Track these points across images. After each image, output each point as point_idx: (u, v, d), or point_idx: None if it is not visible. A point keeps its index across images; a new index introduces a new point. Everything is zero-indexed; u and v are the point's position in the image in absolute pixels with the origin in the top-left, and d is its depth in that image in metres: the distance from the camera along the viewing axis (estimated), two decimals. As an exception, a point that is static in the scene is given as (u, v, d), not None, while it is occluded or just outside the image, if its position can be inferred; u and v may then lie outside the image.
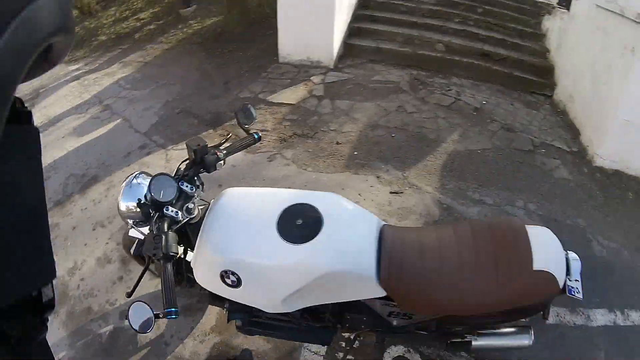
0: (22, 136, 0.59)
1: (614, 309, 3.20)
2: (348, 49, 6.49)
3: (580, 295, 1.85)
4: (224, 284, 1.76)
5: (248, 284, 1.73)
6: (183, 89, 5.42)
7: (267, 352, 2.60)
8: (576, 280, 1.88)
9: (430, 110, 5.23)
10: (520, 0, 8.10)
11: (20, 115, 0.58)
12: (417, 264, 1.80)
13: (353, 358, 2.49)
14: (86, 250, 3.39)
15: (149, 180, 1.75)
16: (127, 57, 6.93)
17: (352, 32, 6.70)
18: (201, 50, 6.32)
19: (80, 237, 3.52)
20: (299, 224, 1.74)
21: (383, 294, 1.76)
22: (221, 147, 1.97)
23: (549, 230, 1.95)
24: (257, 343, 2.63)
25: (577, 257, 1.92)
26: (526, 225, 1.90)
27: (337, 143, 4.35)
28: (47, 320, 0.72)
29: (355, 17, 6.91)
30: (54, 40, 0.53)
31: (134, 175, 1.86)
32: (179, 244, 1.68)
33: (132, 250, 2.02)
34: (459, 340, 2.24)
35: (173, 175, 1.80)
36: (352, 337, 2.28)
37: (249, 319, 2.01)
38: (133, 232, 2.12)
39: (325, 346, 2.54)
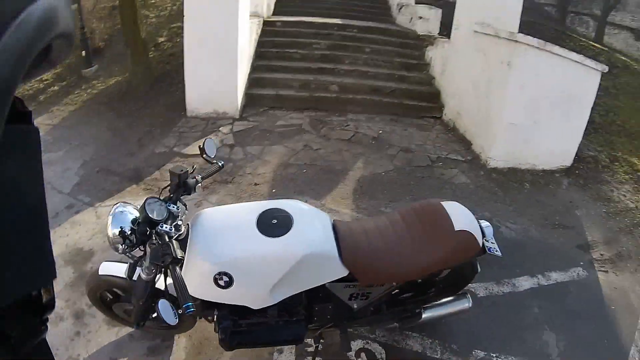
0: (23, 136, 0.59)
1: (535, 274, 3.87)
2: (250, 99, 6.88)
3: (499, 253, 2.43)
4: (217, 287, 2.02)
5: (239, 281, 2.02)
6: (98, 149, 5.48)
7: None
8: (492, 242, 2.46)
9: (334, 145, 5.78)
10: (403, 36, 9.03)
11: (21, 115, 0.59)
12: (366, 245, 2.26)
13: (320, 359, 2.80)
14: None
15: (129, 208, 2.00)
16: (34, 120, 6.82)
17: (252, 82, 7.12)
18: (109, 110, 6.45)
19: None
20: (275, 223, 2.12)
21: (346, 272, 2.18)
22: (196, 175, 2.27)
23: (460, 204, 2.53)
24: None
25: (489, 224, 2.52)
26: (441, 201, 2.49)
27: (256, 184, 4.72)
28: (47, 320, 0.73)
29: (254, 68, 7.35)
30: (53, 41, 0.54)
31: (116, 206, 2.04)
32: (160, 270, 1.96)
33: (125, 274, 2.13)
34: (409, 315, 2.70)
35: (159, 198, 2.09)
36: (318, 334, 2.61)
37: (233, 328, 2.31)
38: (104, 269, 2.38)
39: (295, 350, 2.85)
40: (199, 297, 2.13)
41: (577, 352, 3.21)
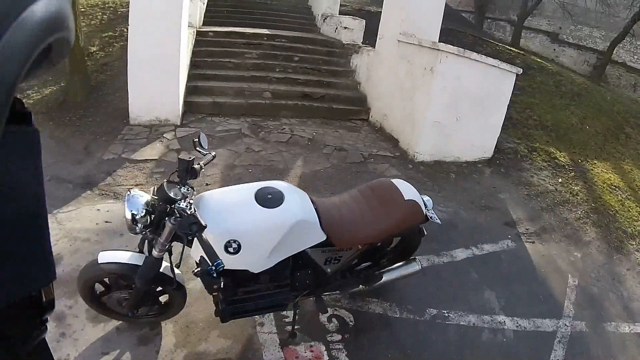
0: (22, 137, 0.58)
1: (469, 246, 4.67)
2: (189, 106, 7.19)
3: (438, 221, 3.24)
4: (227, 254, 2.45)
5: (246, 246, 2.47)
6: (45, 158, 5.52)
7: (231, 345, 3.10)
8: (432, 212, 3.24)
9: (273, 147, 6.29)
10: (329, 45, 9.71)
11: (20, 116, 0.58)
12: (338, 215, 2.90)
13: (299, 327, 3.27)
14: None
15: (140, 193, 2.38)
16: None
17: (190, 90, 7.42)
18: (48, 120, 6.50)
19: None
20: (270, 197, 2.62)
21: (324, 237, 2.77)
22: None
23: (405, 181, 3.28)
24: (219, 342, 3.10)
25: (429, 198, 3.29)
26: (390, 179, 3.26)
27: (207, 184, 5.09)
28: (47, 320, 0.73)
29: (190, 77, 7.65)
30: (54, 41, 0.53)
31: (129, 191, 2.38)
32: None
33: (144, 250, 2.50)
34: (372, 277, 3.36)
35: (174, 182, 2.44)
36: (296, 302, 3.03)
37: (232, 297, 2.73)
38: (103, 258, 2.64)
39: (275, 322, 3.32)
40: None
41: (517, 306, 3.98)
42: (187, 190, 2.42)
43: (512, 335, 3.68)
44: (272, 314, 3.36)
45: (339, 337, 3.30)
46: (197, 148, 2.70)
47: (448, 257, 4.48)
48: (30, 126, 0.63)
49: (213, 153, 2.80)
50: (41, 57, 0.54)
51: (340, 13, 11.15)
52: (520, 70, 6.51)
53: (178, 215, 2.23)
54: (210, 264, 2.02)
